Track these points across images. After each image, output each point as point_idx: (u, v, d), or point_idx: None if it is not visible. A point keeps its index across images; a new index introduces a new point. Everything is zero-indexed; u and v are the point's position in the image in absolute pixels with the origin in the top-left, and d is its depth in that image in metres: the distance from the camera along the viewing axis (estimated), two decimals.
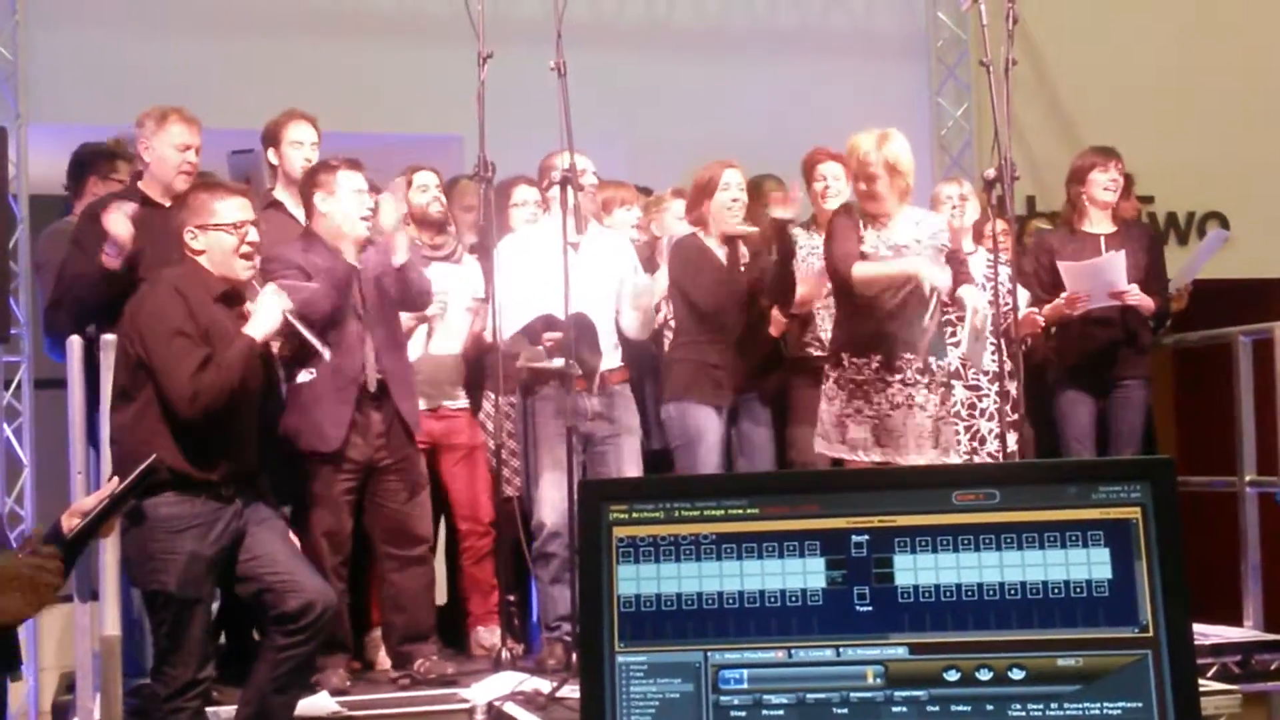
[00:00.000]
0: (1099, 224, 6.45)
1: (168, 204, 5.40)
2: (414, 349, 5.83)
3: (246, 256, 4.72)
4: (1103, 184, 6.42)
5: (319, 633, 4.60)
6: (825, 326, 6.08)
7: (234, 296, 4.73)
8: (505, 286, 5.67)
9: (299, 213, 5.76)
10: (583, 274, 5.57)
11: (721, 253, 5.96)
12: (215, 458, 4.53)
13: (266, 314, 4.74)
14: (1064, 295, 6.18)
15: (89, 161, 6.10)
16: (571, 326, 5.47)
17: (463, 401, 6.07)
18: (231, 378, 4.56)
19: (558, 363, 5.55)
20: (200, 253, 4.65)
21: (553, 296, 5.49)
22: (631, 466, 5.73)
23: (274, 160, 5.91)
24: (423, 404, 5.81)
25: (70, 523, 3.00)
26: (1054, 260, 6.33)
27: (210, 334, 4.57)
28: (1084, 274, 6.21)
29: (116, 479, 3.36)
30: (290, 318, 4.83)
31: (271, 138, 5.89)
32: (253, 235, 4.71)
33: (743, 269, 5.89)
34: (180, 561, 4.45)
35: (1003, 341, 5.86)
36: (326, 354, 5.15)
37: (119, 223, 5.14)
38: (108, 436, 4.87)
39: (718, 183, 5.93)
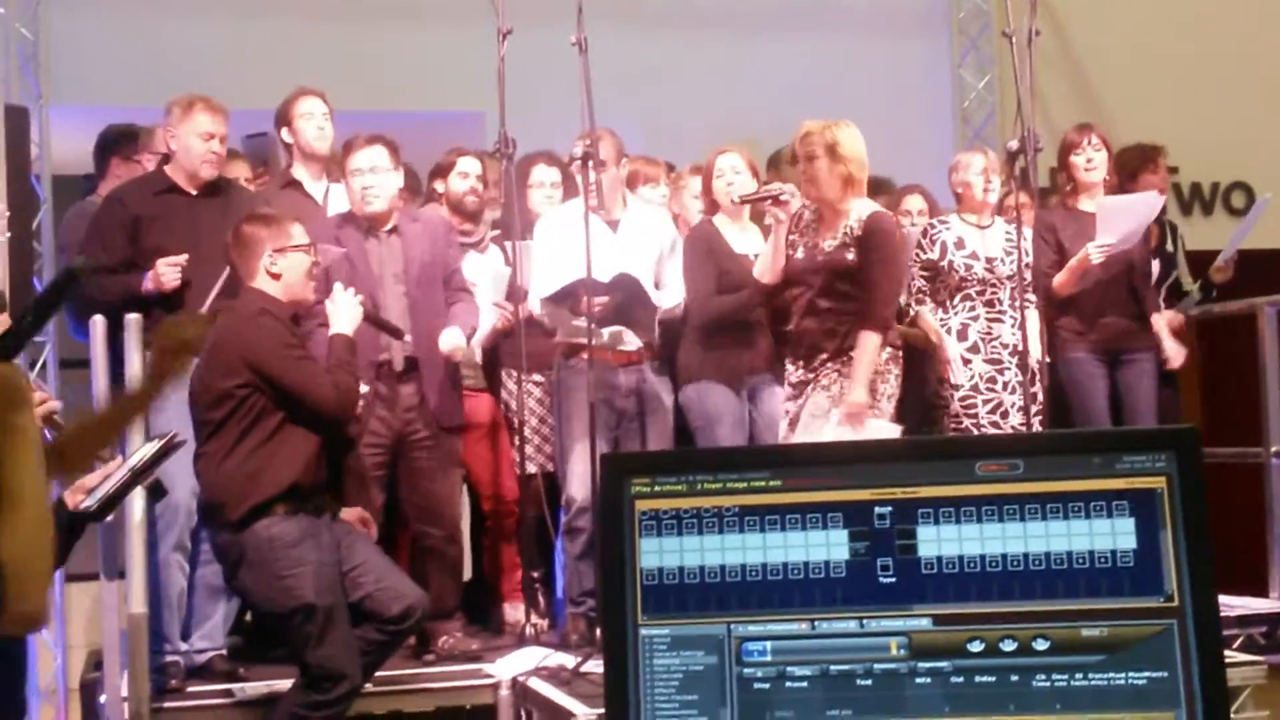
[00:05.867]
0: (1095, 200, 6.41)
1: (193, 192, 5.43)
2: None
3: (311, 279, 4.80)
4: (1081, 166, 6.39)
5: (410, 633, 4.85)
6: None
7: (296, 318, 4.84)
8: (541, 258, 5.67)
9: (315, 190, 5.79)
10: (622, 250, 5.57)
11: (737, 238, 5.92)
12: (318, 471, 4.64)
13: (347, 311, 4.86)
14: (1091, 247, 6.10)
15: (112, 143, 6.13)
16: (618, 289, 5.47)
17: (480, 383, 6.07)
18: (355, 371, 4.79)
19: (609, 329, 5.55)
20: (277, 277, 4.69)
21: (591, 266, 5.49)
22: (662, 443, 5.73)
23: (288, 139, 5.90)
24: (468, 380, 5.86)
25: (75, 499, 3.02)
26: (1058, 238, 6.29)
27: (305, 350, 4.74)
28: (1117, 211, 6.16)
29: (120, 457, 3.40)
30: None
31: (282, 118, 5.89)
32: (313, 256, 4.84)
33: (754, 258, 5.85)
34: (311, 570, 4.49)
35: (1023, 314, 5.84)
36: (407, 337, 5.25)
37: (171, 276, 5.20)
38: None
39: (713, 170, 5.95)
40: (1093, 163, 6.38)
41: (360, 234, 5.44)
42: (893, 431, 5.28)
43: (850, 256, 5.28)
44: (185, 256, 5.23)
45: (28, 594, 2.41)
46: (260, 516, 4.50)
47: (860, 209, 5.33)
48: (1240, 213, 9.11)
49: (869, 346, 5.23)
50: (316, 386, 4.59)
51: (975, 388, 5.94)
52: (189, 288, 5.26)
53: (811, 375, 5.33)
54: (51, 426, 3.04)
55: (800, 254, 5.41)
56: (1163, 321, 6.56)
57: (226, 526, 4.55)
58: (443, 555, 5.53)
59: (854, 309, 5.28)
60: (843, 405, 5.22)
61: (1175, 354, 6.50)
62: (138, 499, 4.74)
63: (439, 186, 6.13)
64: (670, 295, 5.84)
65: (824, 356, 5.31)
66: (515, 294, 5.77)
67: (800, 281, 5.44)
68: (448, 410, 5.54)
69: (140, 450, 3.75)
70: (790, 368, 5.45)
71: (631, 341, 5.74)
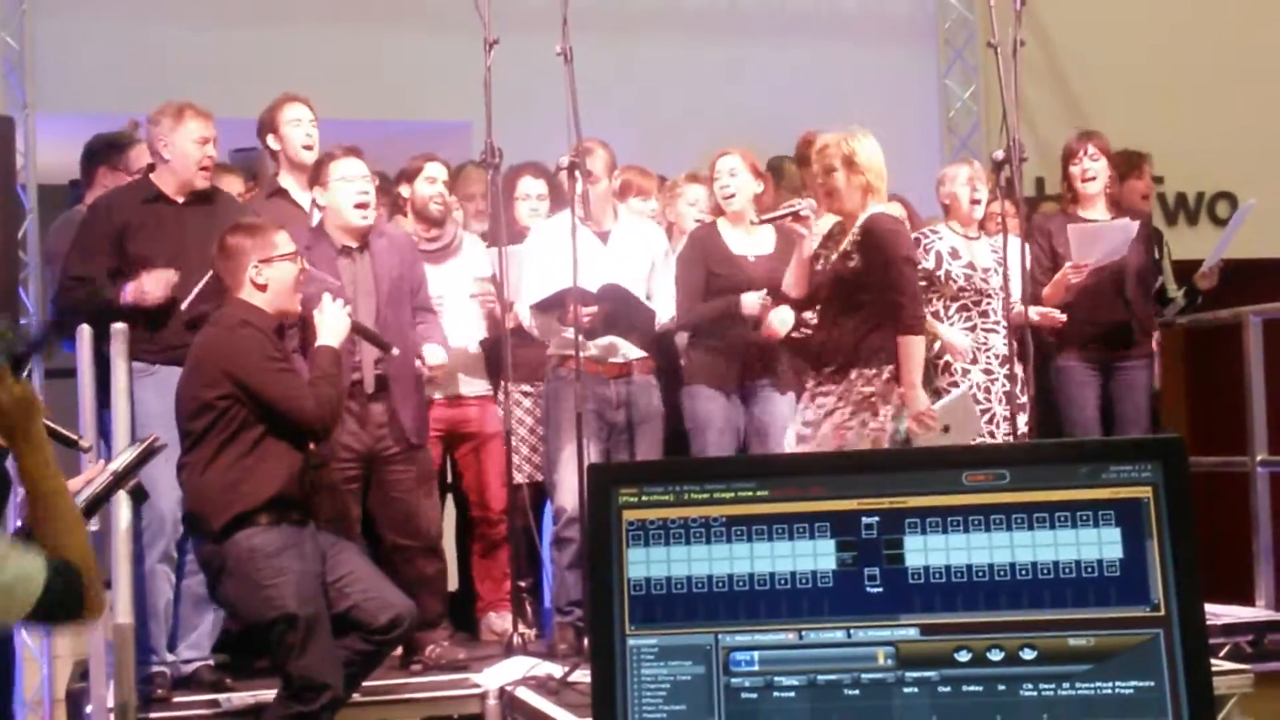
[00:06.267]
0: (1095, 209, 6.43)
1: (180, 200, 5.41)
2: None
3: (298, 289, 4.77)
4: (1078, 176, 6.42)
5: (398, 643, 4.81)
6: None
7: (280, 329, 4.80)
8: (531, 274, 5.67)
9: (303, 199, 5.76)
10: (613, 261, 5.57)
11: (739, 241, 5.93)
12: (300, 484, 4.61)
13: (334, 322, 4.83)
14: (1069, 266, 6.14)
15: (99, 152, 6.10)
16: (606, 299, 5.47)
17: (481, 389, 6.06)
18: (340, 386, 4.74)
19: (600, 341, 5.54)
20: (263, 288, 4.67)
21: (582, 276, 5.48)
22: (653, 456, 5.72)
23: (275, 145, 5.87)
24: (438, 392, 5.81)
25: None
26: (1051, 244, 6.31)
27: (288, 362, 4.70)
28: (1091, 236, 6.19)
29: (102, 462, 3.41)
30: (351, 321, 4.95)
31: (268, 125, 5.85)
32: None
33: (754, 260, 5.87)
34: (292, 580, 4.46)
35: (1010, 321, 5.85)
36: (395, 350, 5.25)
37: (156, 290, 5.17)
38: (122, 425, 4.90)
39: (712, 173, 5.96)
40: (1089, 173, 6.40)
41: (333, 251, 5.41)
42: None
43: (852, 264, 5.28)
44: (174, 272, 5.20)
45: (97, 588, 2.58)
46: (242, 527, 4.48)
47: (864, 215, 5.33)
48: (1225, 222, 9.13)
49: (914, 350, 5.25)
50: (298, 399, 4.57)
51: (973, 397, 5.95)
52: (173, 300, 5.25)
53: (820, 390, 5.35)
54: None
55: (820, 265, 5.44)
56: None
57: (209, 536, 4.55)
58: (423, 566, 5.51)
59: (863, 317, 5.28)
60: (907, 417, 5.22)
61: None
62: (124, 509, 4.74)
63: (404, 191, 6.09)
64: (662, 307, 5.84)
65: (829, 370, 5.33)
66: (502, 302, 5.77)
67: (818, 292, 5.47)
68: (419, 426, 5.52)
69: (122, 454, 3.76)
70: (808, 379, 5.48)
71: (623, 353, 5.74)
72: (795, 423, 5.45)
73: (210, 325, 4.72)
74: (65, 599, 2.53)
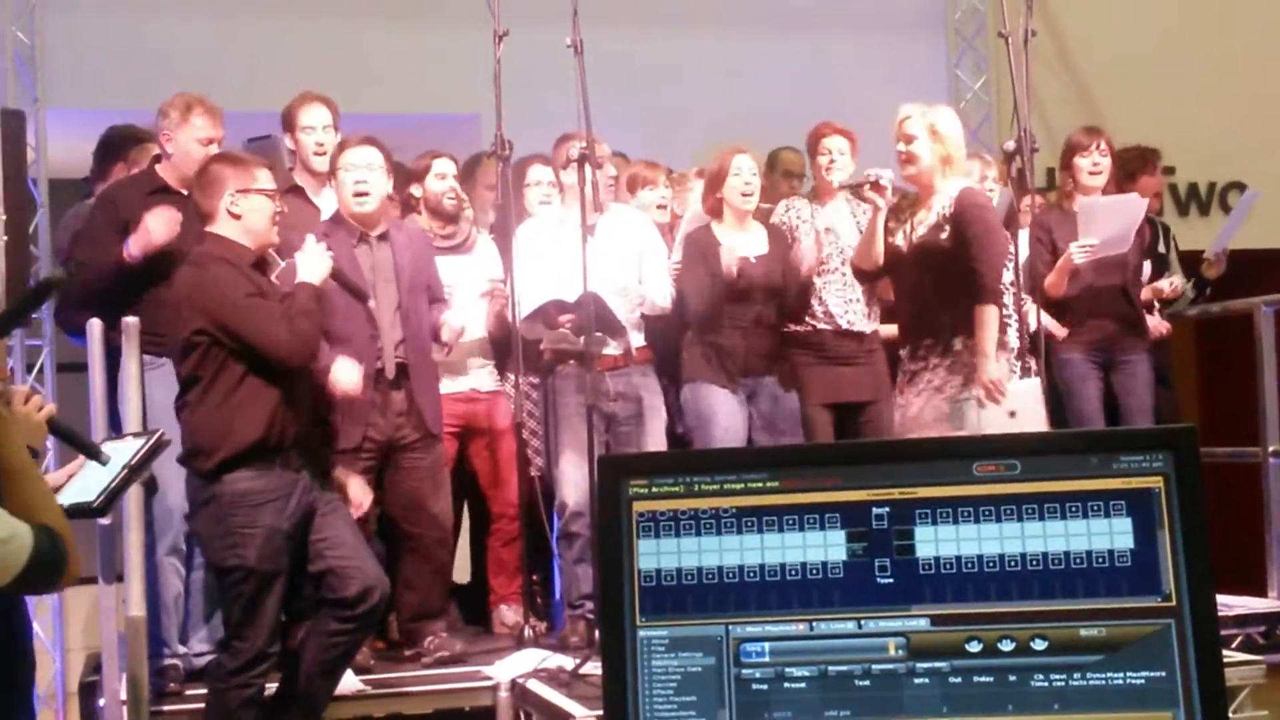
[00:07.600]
0: (1078, 202, 6.41)
1: (185, 192, 5.42)
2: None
3: (275, 225, 4.77)
4: (1086, 169, 6.40)
5: (371, 621, 4.75)
6: (829, 299, 6.05)
7: (262, 264, 4.76)
8: (522, 271, 5.67)
9: (317, 197, 5.78)
10: (599, 255, 5.56)
11: (736, 242, 5.91)
12: (287, 426, 4.60)
13: (315, 261, 4.82)
14: (1073, 246, 6.14)
15: (117, 145, 6.10)
16: (584, 307, 5.47)
17: (492, 384, 6.05)
18: (317, 320, 4.72)
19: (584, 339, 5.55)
20: (238, 217, 4.66)
21: (568, 278, 5.48)
22: (655, 446, 5.72)
23: (292, 145, 5.89)
24: (451, 387, 5.81)
25: None
26: (1052, 239, 6.30)
27: (266, 294, 4.66)
28: (1100, 211, 6.18)
29: (81, 458, 3.43)
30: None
31: (288, 122, 5.88)
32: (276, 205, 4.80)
33: (754, 261, 5.86)
34: (260, 536, 4.51)
35: (1021, 314, 5.84)
36: (372, 302, 5.28)
37: (159, 227, 5.17)
38: (133, 418, 4.91)
39: (727, 170, 5.90)
40: (1098, 167, 6.39)
41: (351, 238, 5.42)
42: (1033, 386, 5.27)
43: (943, 237, 5.30)
44: (177, 211, 5.19)
45: (74, 551, 2.61)
46: (233, 469, 4.53)
47: (950, 188, 5.35)
48: None
49: (988, 321, 5.25)
50: (272, 331, 4.55)
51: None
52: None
53: (921, 364, 5.36)
54: (55, 433, 3.09)
55: (899, 239, 5.44)
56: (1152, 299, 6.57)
57: (200, 474, 4.59)
58: (431, 556, 5.53)
59: (958, 291, 5.28)
60: (978, 387, 5.21)
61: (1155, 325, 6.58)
62: (135, 502, 4.75)
63: (415, 191, 6.09)
64: (654, 292, 5.84)
65: (929, 342, 5.35)
66: (512, 298, 5.76)
67: (900, 266, 5.48)
68: (437, 416, 5.54)
69: (132, 446, 3.76)
70: (904, 356, 5.47)
71: (613, 345, 5.74)
72: (901, 410, 5.43)
73: (187, 264, 4.73)
74: (51, 560, 2.56)
